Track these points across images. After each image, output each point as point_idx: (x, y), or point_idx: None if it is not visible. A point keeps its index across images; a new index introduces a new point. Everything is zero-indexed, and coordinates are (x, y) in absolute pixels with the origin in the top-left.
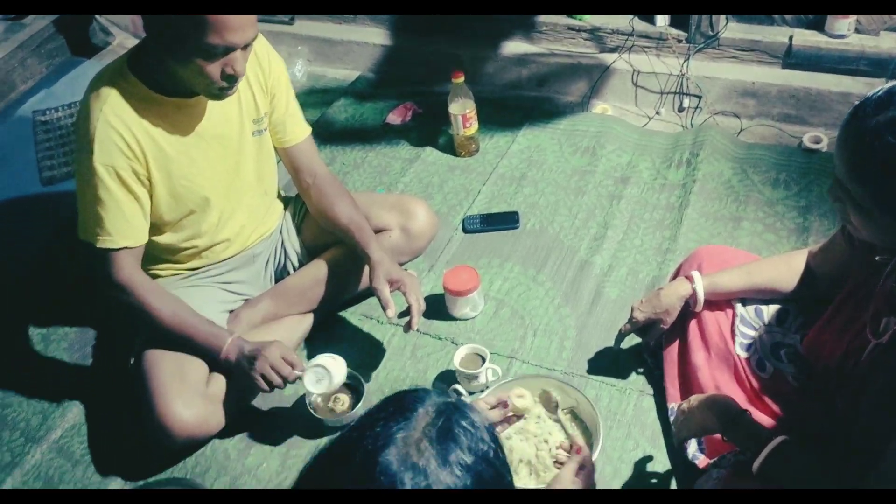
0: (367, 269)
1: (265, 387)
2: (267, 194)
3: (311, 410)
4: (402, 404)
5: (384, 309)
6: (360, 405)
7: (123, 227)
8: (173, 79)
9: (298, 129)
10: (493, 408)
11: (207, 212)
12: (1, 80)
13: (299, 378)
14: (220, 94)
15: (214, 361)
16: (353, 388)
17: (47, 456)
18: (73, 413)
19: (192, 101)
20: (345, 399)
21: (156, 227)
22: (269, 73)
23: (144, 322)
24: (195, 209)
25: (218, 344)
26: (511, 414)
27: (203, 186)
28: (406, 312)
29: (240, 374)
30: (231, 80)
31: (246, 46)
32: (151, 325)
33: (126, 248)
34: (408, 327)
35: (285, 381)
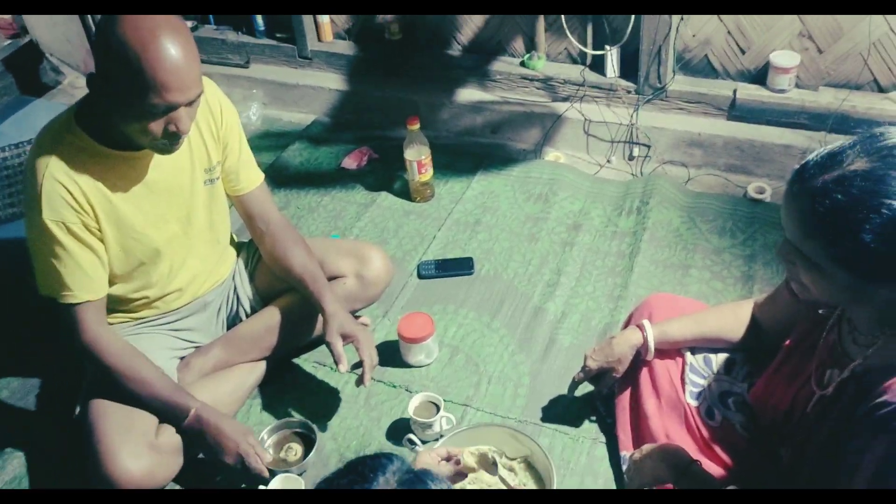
0: (320, 316)
1: (225, 466)
2: (219, 242)
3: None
4: (362, 472)
5: (336, 363)
6: (311, 454)
7: (83, 281)
8: (120, 132)
9: (252, 177)
10: (444, 460)
11: (158, 263)
12: None
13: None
14: (165, 149)
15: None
16: (305, 436)
17: None
18: (14, 465)
19: (139, 154)
20: (297, 448)
21: (110, 281)
22: (222, 121)
23: (112, 381)
24: (145, 261)
25: (182, 412)
26: (462, 469)
27: (153, 238)
28: (359, 364)
29: (199, 446)
30: (174, 137)
31: (190, 103)
32: (118, 386)
33: (89, 301)
34: (360, 381)
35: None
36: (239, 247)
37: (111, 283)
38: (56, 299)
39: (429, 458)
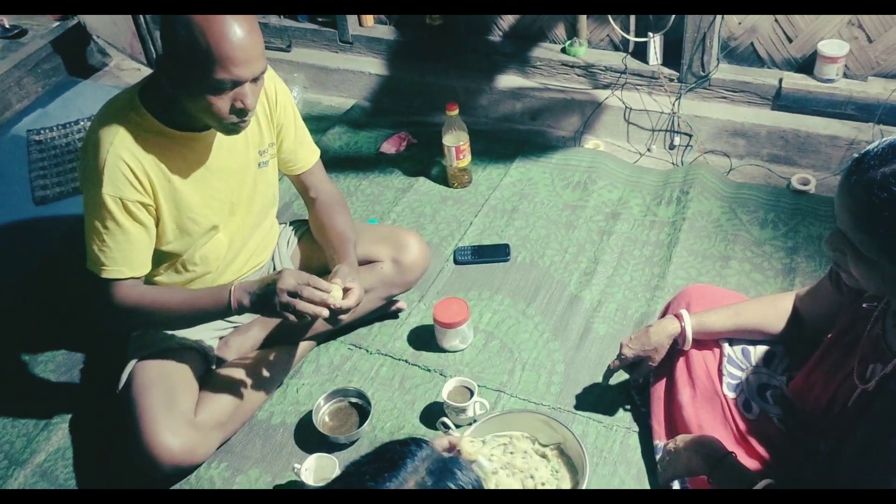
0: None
1: (295, 320)
2: (266, 224)
3: (318, 427)
4: (391, 459)
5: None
6: (366, 424)
7: (130, 258)
8: (184, 113)
9: (308, 156)
10: (446, 451)
11: (211, 243)
12: None
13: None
14: (232, 129)
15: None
16: (361, 407)
17: (30, 480)
18: (59, 436)
19: (200, 136)
20: (352, 415)
21: (161, 259)
22: (276, 103)
23: (156, 322)
24: (199, 241)
25: (222, 301)
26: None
27: (210, 219)
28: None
29: (263, 312)
30: (241, 114)
31: (255, 79)
32: (159, 323)
33: (131, 278)
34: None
35: (313, 302)
36: (279, 229)
37: (163, 260)
38: (97, 273)
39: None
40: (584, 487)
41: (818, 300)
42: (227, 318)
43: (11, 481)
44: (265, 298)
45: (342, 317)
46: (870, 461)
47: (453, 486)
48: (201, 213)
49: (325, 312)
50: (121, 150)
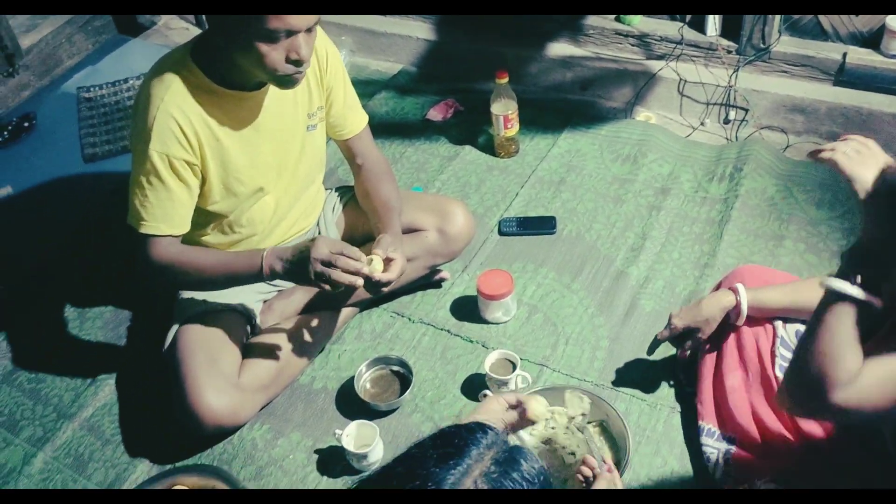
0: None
1: (330, 289)
2: (313, 188)
3: (359, 394)
4: (457, 444)
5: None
6: (407, 393)
7: (170, 215)
8: (236, 70)
9: (357, 121)
10: (511, 408)
11: (259, 205)
12: (48, 55)
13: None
14: (287, 81)
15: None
16: (403, 375)
17: (78, 433)
18: (105, 392)
19: (251, 95)
20: (393, 383)
21: (208, 219)
22: (327, 66)
23: (191, 282)
24: (247, 202)
25: (255, 266)
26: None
27: (257, 181)
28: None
29: (295, 280)
30: (297, 64)
31: (309, 30)
32: (194, 283)
33: (170, 235)
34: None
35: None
36: (324, 194)
37: (209, 221)
38: (136, 228)
39: (496, 404)
40: (627, 465)
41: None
42: (270, 283)
43: (60, 434)
44: (299, 266)
45: (384, 288)
46: None
47: (517, 476)
48: (248, 174)
49: (360, 282)
50: (171, 107)
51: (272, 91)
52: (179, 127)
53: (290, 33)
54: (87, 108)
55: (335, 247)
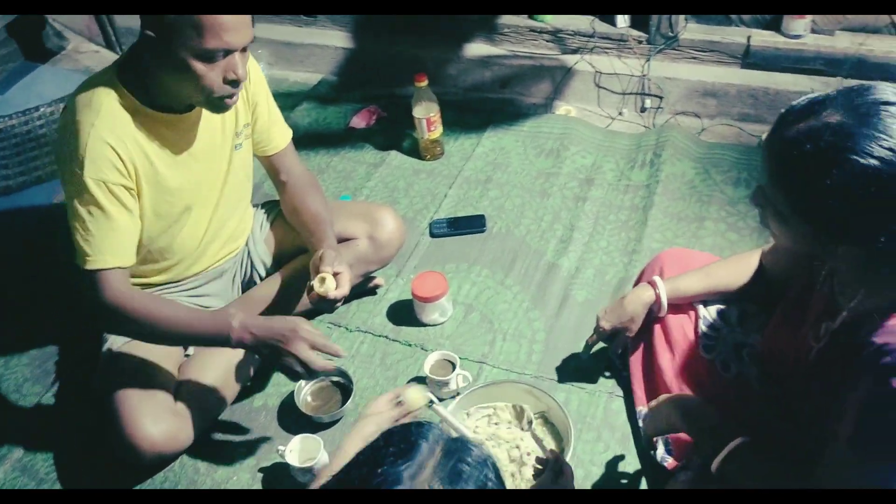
0: None
1: (295, 379)
2: (241, 208)
3: (301, 408)
4: (405, 443)
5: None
6: (349, 402)
7: (114, 245)
8: (166, 92)
9: (282, 136)
10: (397, 404)
11: (188, 227)
12: None
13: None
14: (220, 104)
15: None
16: (343, 385)
17: (10, 475)
18: (36, 430)
19: (182, 118)
20: (334, 394)
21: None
22: (250, 81)
23: (144, 333)
24: (176, 225)
25: (223, 333)
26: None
27: (188, 203)
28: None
29: (263, 357)
30: (234, 84)
31: (244, 49)
32: (152, 334)
33: (118, 267)
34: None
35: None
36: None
37: (142, 248)
38: (82, 266)
39: (382, 403)
40: (569, 454)
41: (778, 255)
42: (198, 303)
43: None
44: (269, 349)
45: (339, 305)
46: (822, 416)
47: (471, 461)
48: (180, 196)
49: (333, 367)
50: (103, 131)
51: (202, 112)
52: (115, 151)
53: (228, 52)
54: None
55: (315, 340)
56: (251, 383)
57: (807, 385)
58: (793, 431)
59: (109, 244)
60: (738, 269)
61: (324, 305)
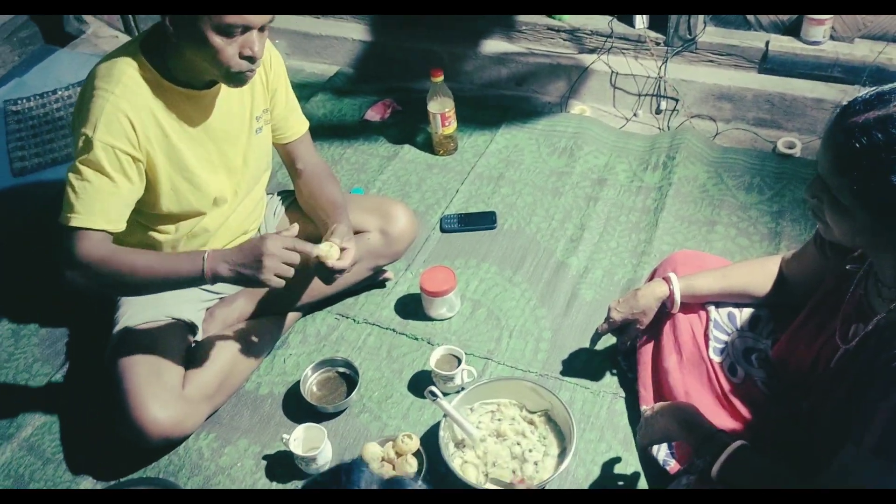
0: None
1: (280, 285)
2: (256, 192)
3: (306, 397)
4: (346, 472)
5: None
6: (354, 393)
7: (106, 209)
8: (187, 67)
9: (299, 124)
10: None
11: (208, 208)
12: None
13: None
14: (238, 78)
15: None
16: (349, 376)
17: (17, 454)
18: (44, 410)
19: (202, 94)
20: (340, 385)
21: (154, 221)
22: (271, 68)
23: (120, 286)
24: (196, 205)
25: (195, 268)
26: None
27: (207, 182)
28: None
29: (243, 283)
30: (251, 61)
31: (262, 29)
32: (127, 286)
33: (103, 230)
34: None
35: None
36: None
37: (155, 223)
38: (66, 222)
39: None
40: (572, 453)
41: (803, 263)
42: (209, 290)
43: None
44: (248, 267)
45: (337, 276)
46: (846, 416)
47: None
48: (198, 174)
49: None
50: (121, 101)
51: (221, 92)
52: (129, 121)
53: (246, 29)
54: (14, 121)
55: (286, 242)
56: (259, 370)
57: (827, 388)
58: (802, 434)
59: (101, 206)
60: (756, 273)
61: (322, 272)
